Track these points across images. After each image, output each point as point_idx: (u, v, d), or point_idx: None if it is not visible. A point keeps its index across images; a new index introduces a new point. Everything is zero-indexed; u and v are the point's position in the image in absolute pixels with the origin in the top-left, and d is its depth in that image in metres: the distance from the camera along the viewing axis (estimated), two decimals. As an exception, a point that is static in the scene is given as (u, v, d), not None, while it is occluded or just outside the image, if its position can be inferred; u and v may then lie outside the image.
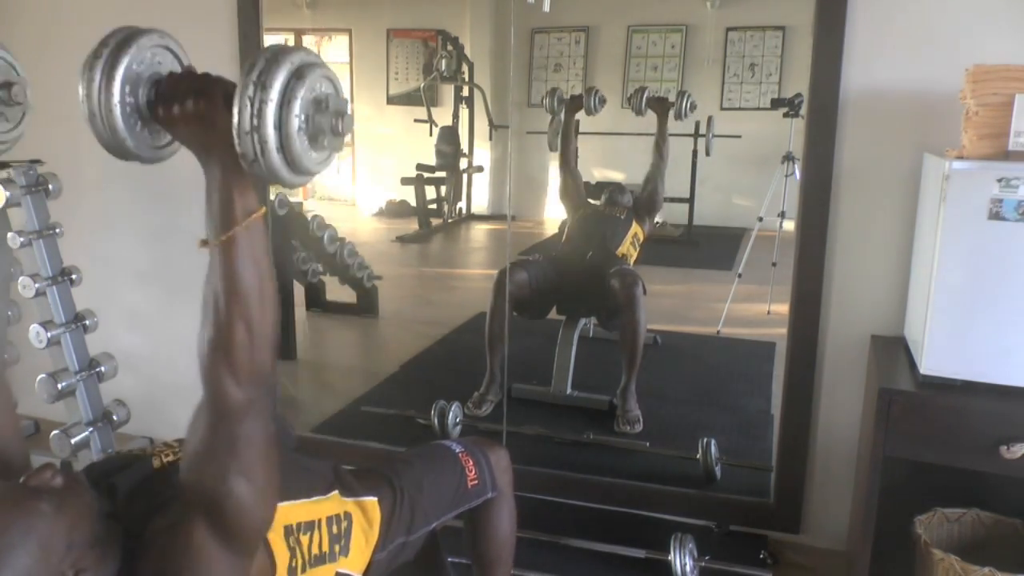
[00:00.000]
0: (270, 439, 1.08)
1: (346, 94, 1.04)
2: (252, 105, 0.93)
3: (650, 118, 3.01)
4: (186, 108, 0.99)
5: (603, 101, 2.99)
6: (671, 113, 2.87)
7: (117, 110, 1.00)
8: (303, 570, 1.31)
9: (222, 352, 0.99)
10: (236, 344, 0.99)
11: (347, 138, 1.07)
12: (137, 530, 1.11)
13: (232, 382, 1.00)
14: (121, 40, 1.02)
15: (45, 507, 1.00)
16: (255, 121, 0.93)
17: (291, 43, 3.63)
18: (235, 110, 0.94)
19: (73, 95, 1.00)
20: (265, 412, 1.06)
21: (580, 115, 3.07)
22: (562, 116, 3.01)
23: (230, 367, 1.00)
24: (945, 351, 1.69)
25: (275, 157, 0.95)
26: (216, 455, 1.04)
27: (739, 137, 2.98)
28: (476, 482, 1.64)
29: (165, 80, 1.04)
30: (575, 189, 3.07)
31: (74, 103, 1.00)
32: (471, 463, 1.65)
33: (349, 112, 1.02)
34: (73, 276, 2.44)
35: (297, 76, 0.96)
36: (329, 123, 0.99)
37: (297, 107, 0.95)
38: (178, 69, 1.08)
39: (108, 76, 0.99)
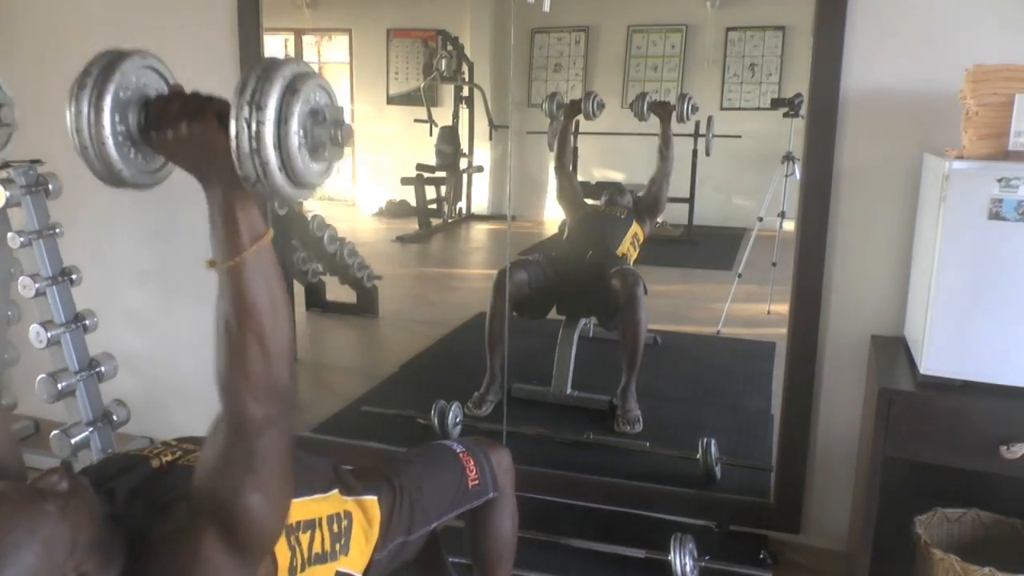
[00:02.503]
0: (287, 454, 1.08)
1: (342, 99, 1.03)
2: (249, 127, 0.90)
3: (651, 119, 3.01)
4: (180, 132, 0.97)
5: (601, 106, 3.00)
6: (673, 116, 2.87)
7: (110, 141, 0.96)
8: (303, 568, 1.32)
9: (238, 371, 0.99)
10: (252, 362, 0.99)
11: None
12: (140, 532, 1.11)
13: (250, 399, 1.00)
14: (104, 67, 0.97)
15: (51, 508, 1.00)
16: (254, 144, 0.91)
17: (291, 44, 3.63)
18: (232, 133, 0.91)
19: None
20: (284, 427, 1.05)
21: (580, 117, 3.07)
22: (561, 119, 3.02)
23: (247, 385, 0.99)
24: (945, 351, 1.70)
25: (278, 176, 0.93)
26: (233, 469, 1.04)
27: (739, 137, 2.98)
28: (477, 482, 1.63)
29: (154, 103, 1.01)
30: (571, 191, 3.08)
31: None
32: (472, 463, 1.64)
33: (348, 121, 1.00)
34: (73, 276, 2.44)
35: (291, 91, 0.93)
36: (328, 134, 0.97)
37: (295, 124, 0.93)
38: (164, 89, 1.05)
39: (96, 107, 0.95)
